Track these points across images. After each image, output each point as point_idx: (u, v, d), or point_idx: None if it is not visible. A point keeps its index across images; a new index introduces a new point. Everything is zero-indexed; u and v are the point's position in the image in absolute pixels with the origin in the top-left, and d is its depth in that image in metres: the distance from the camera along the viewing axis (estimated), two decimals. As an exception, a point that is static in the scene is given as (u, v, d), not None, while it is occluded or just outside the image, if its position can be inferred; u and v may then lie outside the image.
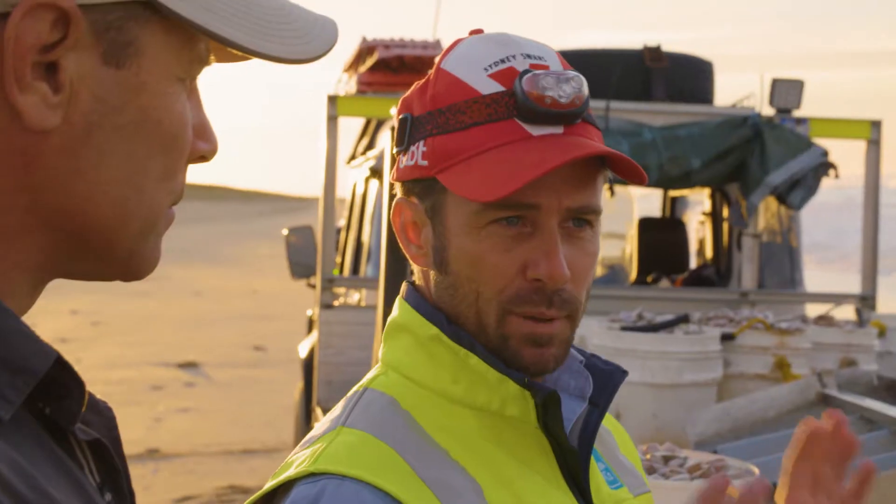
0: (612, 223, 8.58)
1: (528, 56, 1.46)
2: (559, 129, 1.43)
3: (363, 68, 7.50)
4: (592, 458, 1.55)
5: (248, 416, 11.38)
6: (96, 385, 12.80)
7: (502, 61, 1.45)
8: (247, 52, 0.96)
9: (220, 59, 1.03)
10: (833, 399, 4.02)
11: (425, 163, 1.46)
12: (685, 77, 6.62)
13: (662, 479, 2.89)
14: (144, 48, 0.92)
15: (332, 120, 6.22)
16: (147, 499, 8.60)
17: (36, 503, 0.86)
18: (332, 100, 6.27)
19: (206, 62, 0.99)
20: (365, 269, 7.17)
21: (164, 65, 0.94)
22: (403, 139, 1.50)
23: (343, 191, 8.03)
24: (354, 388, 1.53)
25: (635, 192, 8.51)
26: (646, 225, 7.94)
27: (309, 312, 8.72)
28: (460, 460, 1.42)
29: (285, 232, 8.02)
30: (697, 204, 8.27)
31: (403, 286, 1.55)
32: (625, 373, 1.58)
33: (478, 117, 1.44)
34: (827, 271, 24.92)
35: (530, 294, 1.43)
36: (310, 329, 8.47)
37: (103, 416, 1.02)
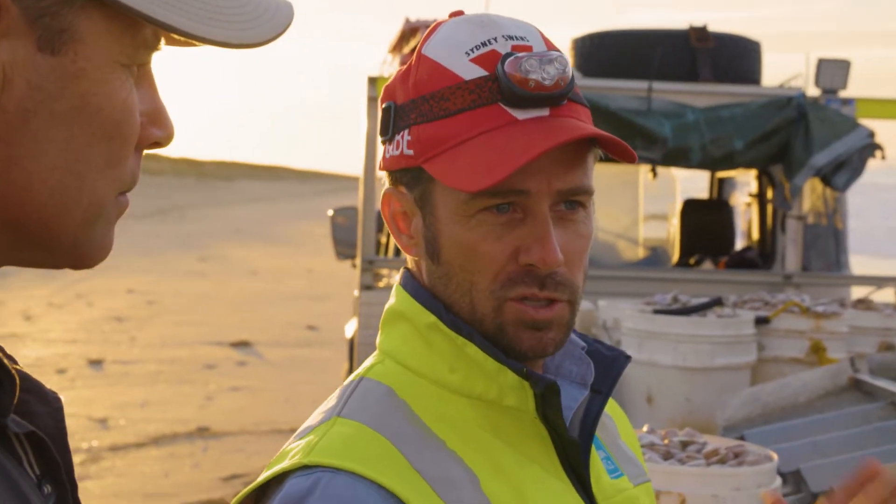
0: (654, 204, 8.52)
1: (510, 37, 1.44)
2: (545, 112, 1.41)
3: (406, 49, 7.49)
4: (593, 446, 1.53)
5: (298, 396, 11.42)
6: (149, 364, 12.93)
7: (483, 44, 1.43)
8: (189, 38, 0.94)
9: (170, 44, 1.01)
10: (864, 384, 3.98)
11: (411, 152, 1.44)
12: (732, 57, 6.56)
13: (679, 464, 2.87)
14: (82, 34, 0.91)
15: (373, 101, 6.22)
16: (196, 476, 8.68)
17: None
18: (373, 81, 6.26)
19: (153, 48, 0.97)
20: (407, 251, 7.16)
21: (104, 51, 0.93)
22: (388, 128, 1.47)
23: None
24: (350, 378, 1.51)
25: (679, 173, 8.45)
26: (690, 206, 7.88)
27: (356, 293, 8.74)
28: (457, 450, 1.41)
29: (330, 213, 8.02)
30: (745, 185, 8.20)
31: (400, 272, 1.53)
32: (628, 358, 1.56)
33: (462, 104, 1.41)
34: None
35: (522, 276, 1.41)
36: (355, 309, 8.49)
37: (51, 406, 1.02)
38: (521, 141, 1.38)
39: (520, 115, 1.40)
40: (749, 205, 7.59)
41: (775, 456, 2.88)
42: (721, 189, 8.33)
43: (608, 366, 1.54)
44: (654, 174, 6.53)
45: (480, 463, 1.41)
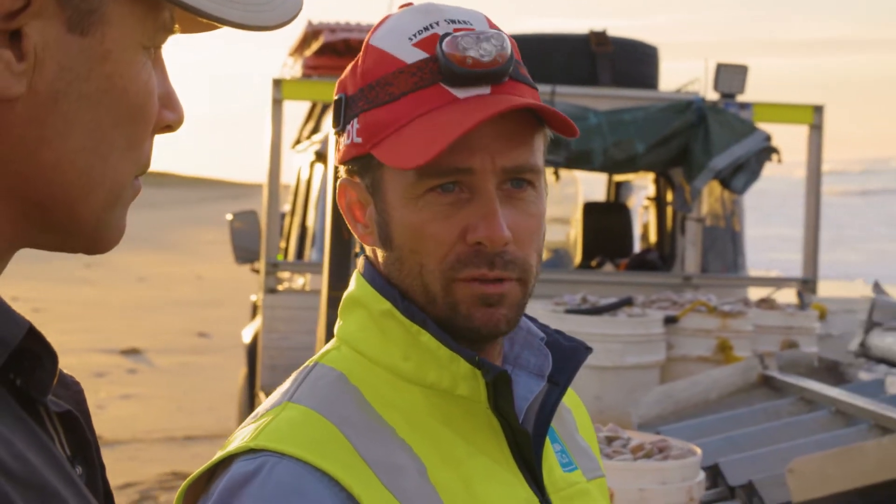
0: (558, 208, 8.60)
1: (452, 21, 1.44)
2: (486, 90, 1.41)
3: (309, 52, 7.46)
4: (548, 438, 1.53)
5: (190, 403, 11.31)
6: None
7: (426, 28, 1.43)
8: (209, 19, 0.95)
9: (185, 30, 1.02)
10: (774, 381, 4.05)
11: (360, 140, 1.44)
12: (630, 62, 6.65)
13: (606, 459, 2.89)
14: (109, 16, 0.91)
15: (277, 103, 6.19)
16: (89, 485, 8.54)
17: (18, 470, 0.85)
18: (277, 83, 6.24)
19: (170, 31, 0.98)
20: (309, 254, 7.14)
21: (128, 32, 0.93)
22: (339, 120, 1.48)
23: (288, 176, 8.00)
24: (306, 363, 1.51)
25: (580, 176, 8.53)
26: (590, 209, 7.97)
27: (253, 298, 8.68)
28: (406, 438, 1.40)
29: (230, 217, 7.97)
30: (641, 189, 8.31)
31: (360, 261, 1.53)
32: (588, 349, 1.55)
33: (405, 87, 1.42)
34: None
35: (471, 257, 1.41)
36: (254, 314, 8.43)
37: (71, 390, 1.02)
38: (456, 116, 1.38)
39: (460, 93, 1.40)
40: (647, 207, 7.69)
41: (699, 450, 2.92)
42: (618, 192, 8.44)
43: (567, 357, 1.53)
44: (557, 177, 6.59)
45: (429, 452, 1.40)
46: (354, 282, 1.52)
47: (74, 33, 0.90)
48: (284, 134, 6.39)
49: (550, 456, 1.53)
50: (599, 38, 6.56)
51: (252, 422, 1.43)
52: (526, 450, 1.47)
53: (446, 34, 1.42)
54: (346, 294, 1.52)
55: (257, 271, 7.57)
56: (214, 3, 0.95)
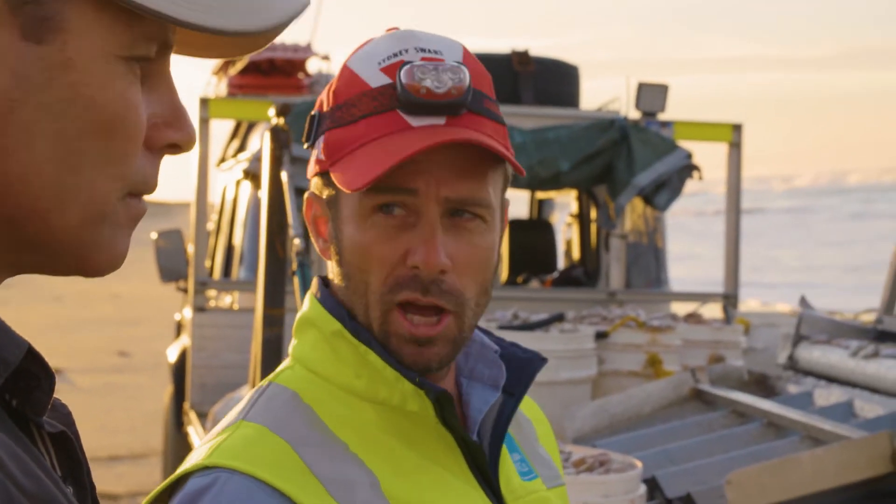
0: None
1: (422, 49, 1.46)
2: (441, 120, 1.43)
3: (233, 71, 7.46)
4: (505, 448, 1.56)
5: (113, 422, 11.21)
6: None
7: (395, 55, 1.46)
8: (182, 25, 0.91)
9: (182, 52, 1.00)
10: (706, 394, 4.14)
11: (322, 157, 1.48)
12: (552, 81, 6.73)
13: (550, 473, 2.94)
14: (68, 23, 0.88)
15: (204, 122, 6.19)
16: (11, 508, 8.43)
17: (33, 488, 0.86)
18: (204, 102, 6.23)
19: (156, 40, 0.94)
20: (237, 273, 7.14)
21: (95, 41, 0.90)
22: (309, 135, 1.52)
23: (212, 195, 7.98)
24: (261, 383, 1.53)
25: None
26: (514, 227, 8.03)
27: (177, 316, 8.64)
28: (359, 453, 1.43)
29: (154, 235, 7.92)
30: (563, 206, 8.40)
31: (314, 281, 1.55)
32: (543, 360, 1.58)
33: (365, 109, 1.45)
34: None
35: (408, 280, 1.43)
36: (178, 333, 8.39)
37: (59, 412, 1.01)
38: (402, 143, 1.41)
39: (414, 122, 1.43)
40: (570, 224, 7.78)
41: (639, 463, 2.99)
42: (541, 209, 8.52)
43: (522, 368, 1.55)
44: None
45: (382, 466, 1.44)
46: (308, 302, 1.55)
47: (29, 41, 0.88)
48: (210, 152, 6.40)
49: (508, 465, 1.56)
50: (521, 57, 6.64)
51: (208, 441, 1.46)
52: (480, 461, 1.50)
53: (408, 62, 1.44)
54: (299, 314, 1.55)
55: (184, 290, 7.54)
56: (187, 9, 0.91)
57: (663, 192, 6.25)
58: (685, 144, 6.36)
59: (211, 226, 8.13)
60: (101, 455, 9.92)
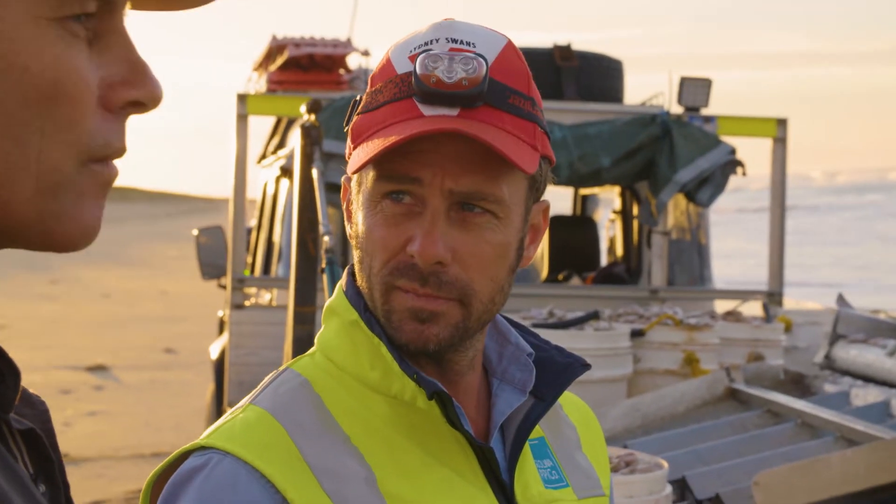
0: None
1: (454, 40, 1.44)
2: (454, 112, 1.41)
3: (273, 67, 7.45)
4: (530, 453, 1.52)
5: (158, 419, 11.25)
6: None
7: (427, 43, 1.44)
8: None
9: (136, 6, 0.96)
10: (741, 393, 4.07)
11: (350, 141, 1.48)
12: (595, 76, 6.67)
13: (573, 473, 2.90)
14: None
15: (242, 119, 6.18)
16: (55, 504, 8.47)
17: None
18: (242, 98, 6.22)
19: None
20: (276, 270, 7.13)
21: (20, 6, 0.86)
22: (349, 120, 1.51)
23: (253, 191, 7.98)
24: (279, 368, 1.54)
25: (546, 190, 8.53)
26: (556, 223, 7.98)
27: (220, 313, 8.65)
28: (360, 447, 1.41)
29: (195, 232, 7.93)
30: (607, 202, 8.33)
31: (346, 271, 1.55)
32: (586, 366, 1.53)
33: (388, 95, 1.44)
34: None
35: (406, 269, 1.42)
36: (221, 330, 8.40)
37: (37, 409, 0.99)
38: (403, 130, 1.39)
39: (427, 111, 1.41)
40: (613, 221, 7.71)
41: (665, 464, 2.93)
42: (584, 206, 8.45)
43: (559, 372, 1.51)
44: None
45: (383, 461, 1.41)
46: (336, 290, 1.54)
47: None
48: (250, 149, 6.38)
49: (529, 471, 1.52)
50: (564, 52, 6.58)
51: (218, 421, 1.49)
52: (493, 464, 1.47)
53: (431, 52, 1.42)
54: (327, 303, 1.55)
55: (224, 287, 7.54)
56: None
57: (706, 188, 6.17)
58: (729, 140, 6.28)
59: (253, 222, 8.13)
60: (145, 452, 9.96)
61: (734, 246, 33.44)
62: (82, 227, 0.93)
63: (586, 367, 1.53)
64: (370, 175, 1.44)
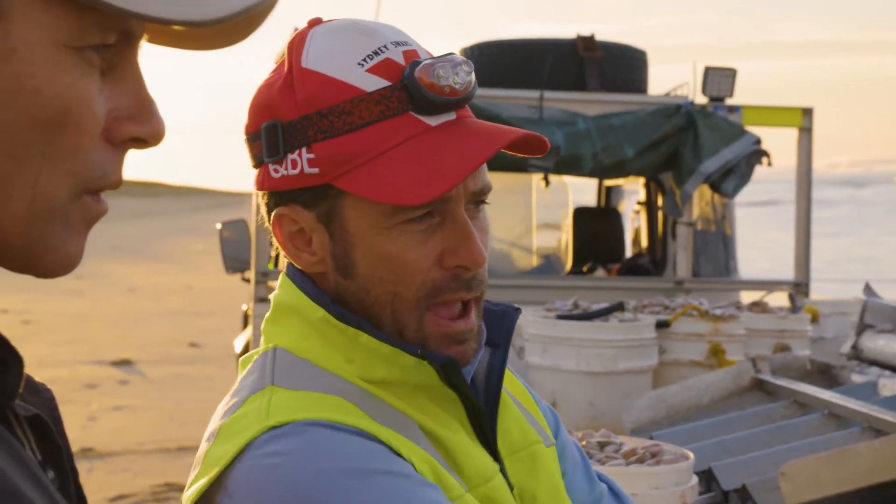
0: (548, 213, 8.58)
1: (397, 43, 1.43)
2: (452, 116, 1.42)
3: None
4: (509, 399, 1.57)
5: (183, 413, 11.27)
6: (29, 384, 12.61)
7: (375, 53, 1.42)
8: (128, 16, 0.88)
9: (153, 41, 0.96)
10: (767, 384, 4.04)
11: (315, 170, 1.41)
12: (619, 66, 6.63)
13: (598, 464, 2.88)
14: (10, 13, 0.86)
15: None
16: (81, 498, 8.49)
17: None
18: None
19: (111, 28, 0.91)
20: (299, 263, 7.12)
21: (42, 31, 0.87)
22: (277, 148, 1.43)
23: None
24: (254, 354, 1.49)
25: (570, 181, 8.52)
26: (581, 215, 7.95)
27: (244, 307, 8.65)
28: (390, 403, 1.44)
29: (219, 226, 7.94)
30: (632, 193, 8.29)
31: (286, 265, 1.52)
32: (517, 310, 1.58)
33: (368, 116, 1.40)
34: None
35: (448, 282, 1.42)
36: (245, 324, 8.40)
37: (42, 396, 1.00)
38: (452, 149, 1.39)
39: (431, 121, 1.41)
40: (637, 212, 7.68)
41: (691, 455, 2.90)
42: (609, 197, 8.42)
43: (498, 321, 1.56)
44: (547, 183, 6.56)
45: (417, 416, 1.44)
46: (283, 287, 1.51)
47: None
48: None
49: (509, 418, 1.56)
50: (587, 42, 6.55)
51: (227, 415, 1.40)
52: (481, 420, 1.50)
53: (415, 62, 1.41)
54: (275, 299, 1.51)
55: (248, 280, 7.54)
56: None
57: (731, 178, 6.13)
58: (754, 130, 6.23)
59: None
60: (170, 446, 9.98)
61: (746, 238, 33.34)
62: (65, 257, 0.93)
63: (518, 311, 1.58)
64: (380, 202, 1.40)
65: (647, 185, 7.37)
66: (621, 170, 6.19)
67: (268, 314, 1.52)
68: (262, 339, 1.53)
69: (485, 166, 1.45)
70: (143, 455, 9.77)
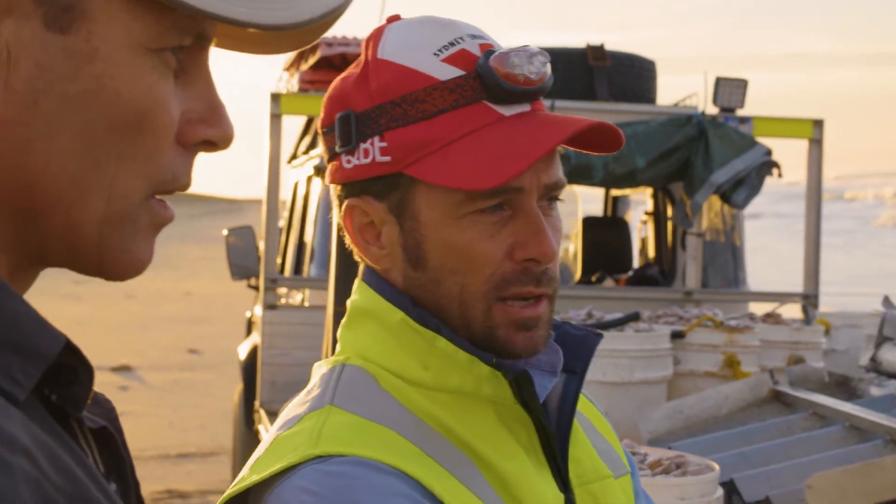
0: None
1: (473, 36, 1.43)
2: (527, 107, 1.41)
3: (305, 66, 7.42)
4: (580, 428, 1.53)
5: (183, 420, 11.25)
6: (29, 389, 12.59)
7: (451, 44, 1.41)
8: (211, 17, 0.88)
9: (223, 45, 0.96)
10: (785, 396, 4.02)
11: (387, 158, 1.40)
12: (628, 76, 6.62)
13: (624, 475, 2.86)
14: (94, 13, 0.86)
15: (276, 118, 6.16)
16: None
17: (66, 486, 0.82)
18: (276, 98, 6.20)
19: (188, 31, 0.90)
20: (308, 270, 7.11)
21: (123, 32, 0.87)
22: (350, 138, 1.43)
23: (283, 192, 7.96)
24: (323, 365, 1.47)
25: (580, 190, 8.52)
26: (590, 224, 7.94)
27: (248, 314, 8.63)
28: (449, 438, 1.40)
29: (225, 233, 7.92)
30: (639, 203, 8.29)
31: (361, 268, 1.50)
32: (598, 336, 1.54)
33: (442, 104, 1.39)
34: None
35: (518, 275, 1.40)
36: (249, 331, 8.38)
37: (103, 407, 0.98)
38: (524, 136, 1.38)
39: (506, 111, 1.40)
40: (645, 222, 7.67)
41: (716, 466, 2.89)
42: (615, 207, 8.41)
43: (578, 346, 1.52)
44: (558, 192, 6.55)
45: (477, 448, 1.40)
46: (360, 291, 1.49)
47: (53, 31, 0.85)
48: (281, 149, 6.36)
49: (581, 447, 1.52)
50: (597, 52, 6.54)
51: (286, 428, 1.39)
52: (553, 443, 1.46)
53: (490, 51, 1.40)
54: (351, 304, 1.50)
55: (255, 287, 7.52)
56: (218, 0, 0.88)
57: (741, 189, 6.12)
58: (764, 141, 6.23)
59: (282, 223, 8.11)
60: (170, 452, 9.96)
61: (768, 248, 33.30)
62: (134, 261, 0.93)
63: (599, 337, 1.54)
64: (453, 191, 1.39)
65: (655, 196, 7.36)
66: (632, 180, 6.18)
67: (344, 319, 1.50)
68: (338, 345, 1.51)
69: (559, 161, 1.43)
70: (143, 461, 9.74)
